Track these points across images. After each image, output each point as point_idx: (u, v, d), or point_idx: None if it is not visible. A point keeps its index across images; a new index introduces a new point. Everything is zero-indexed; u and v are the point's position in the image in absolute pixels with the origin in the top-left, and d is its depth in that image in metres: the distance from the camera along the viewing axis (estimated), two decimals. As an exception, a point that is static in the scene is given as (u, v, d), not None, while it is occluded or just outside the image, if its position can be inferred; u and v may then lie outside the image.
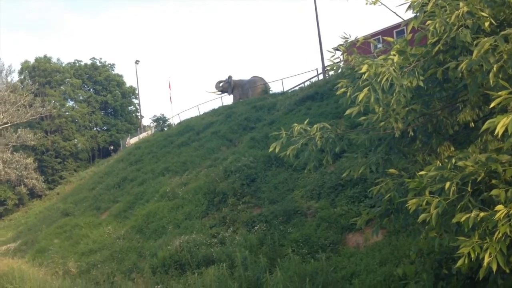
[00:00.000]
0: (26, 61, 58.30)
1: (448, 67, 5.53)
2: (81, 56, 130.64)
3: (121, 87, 64.61)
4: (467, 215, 4.50)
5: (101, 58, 66.01)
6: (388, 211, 6.64)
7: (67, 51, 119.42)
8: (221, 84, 45.11)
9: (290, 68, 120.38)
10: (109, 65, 65.82)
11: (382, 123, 6.55)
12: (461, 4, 5.51)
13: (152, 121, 48.76)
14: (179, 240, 17.07)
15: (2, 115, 46.77)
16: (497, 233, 4.32)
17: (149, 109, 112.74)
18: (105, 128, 61.98)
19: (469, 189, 4.81)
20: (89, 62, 64.20)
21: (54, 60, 60.30)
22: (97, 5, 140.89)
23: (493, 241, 4.40)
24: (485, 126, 4.24)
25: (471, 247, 4.51)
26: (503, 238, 4.37)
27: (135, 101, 66.99)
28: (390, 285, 10.35)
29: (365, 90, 5.81)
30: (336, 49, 7.85)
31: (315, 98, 27.24)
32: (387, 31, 31.58)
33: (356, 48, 7.35)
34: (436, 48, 5.78)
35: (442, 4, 5.82)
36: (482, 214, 4.44)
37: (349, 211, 14.76)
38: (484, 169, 4.76)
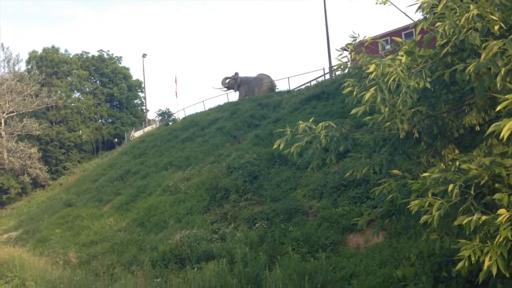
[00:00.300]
0: (34, 51, 58.52)
1: (455, 69, 5.51)
2: (89, 48, 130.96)
3: (127, 80, 64.74)
4: (469, 218, 4.49)
5: (108, 51, 66.20)
6: (389, 212, 6.62)
7: (75, 42, 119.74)
8: (227, 81, 45.10)
9: (297, 67, 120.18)
10: (116, 58, 65.97)
11: (388, 123, 6.53)
12: (471, 6, 5.48)
13: (157, 115, 48.86)
14: (180, 234, 17.10)
15: (8, 104, 46.98)
16: (498, 237, 4.31)
17: (154, 103, 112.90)
18: (110, 121, 62.14)
19: (472, 192, 4.80)
20: (96, 54, 64.42)
21: (61, 51, 60.52)
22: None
23: (494, 245, 4.39)
24: (490, 129, 4.23)
25: (471, 250, 4.50)
26: (504, 242, 4.36)
27: (141, 94, 67.19)
28: (389, 287, 10.34)
29: (372, 90, 5.80)
30: (344, 49, 7.84)
31: (321, 97, 27.20)
32: (395, 33, 31.47)
33: (364, 48, 7.33)
34: (445, 50, 5.77)
35: (452, 6, 5.80)
36: (484, 217, 4.42)
37: (351, 211, 14.73)
38: (488, 173, 4.75)
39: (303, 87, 36.65)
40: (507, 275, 4.54)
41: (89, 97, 59.49)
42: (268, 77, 42.49)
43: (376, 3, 6.31)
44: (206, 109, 43.43)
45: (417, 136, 6.59)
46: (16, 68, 52.32)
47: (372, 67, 5.79)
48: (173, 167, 27.33)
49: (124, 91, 62.91)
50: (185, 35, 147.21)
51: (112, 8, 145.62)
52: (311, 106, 26.49)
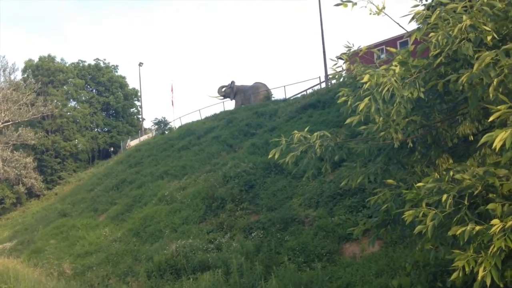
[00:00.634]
0: (30, 60, 58.43)
1: (449, 79, 5.54)
2: (85, 56, 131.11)
3: (123, 89, 64.67)
4: (463, 228, 4.49)
5: (105, 59, 66.15)
6: (385, 222, 6.62)
7: (72, 51, 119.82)
8: (223, 89, 45.15)
9: (293, 76, 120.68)
10: (112, 67, 65.94)
11: (382, 133, 6.55)
12: (464, 17, 5.52)
13: (153, 124, 48.79)
14: (176, 244, 17.02)
15: (4, 113, 46.83)
16: (492, 247, 4.31)
17: (150, 111, 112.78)
18: (106, 130, 61.97)
19: (465, 202, 4.81)
20: (92, 62, 64.35)
21: (58, 59, 60.38)
22: (103, 6, 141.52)
23: (488, 255, 4.39)
24: (483, 140, 4.24)
25: (465, 261, 4.49)
26: (498, 252, 4.35)
27: (137, 103, 67.06)
28: (385, 297, 10.31)
29: (366, 99, 5.82)
30: (339, 58, 7.87)
31: (317, 106, 27.26)
32: (390, 42, 31.64)
33: (358, 58, 7.37)
34: (438, 60, 5.80)
35: (445, 16, 5.84)
36: (478, 227, 4.42)
37: (347, 220, 14.72)
38: (482, 183, 4.75)
39: (299, 95, 36.73)
40: (501, 285, 4.53)
41: (85, 106, 59.35)
42: (264, 85, 42.58)
43: (370, 13, 6.35)
44: (202, 117, 43.41)
45: (411, 145, 6.60)
46: (12, 77, 52.23)
47: (366, 77, 5.81)
48: (169, 176, 27.25)
49: (120, 100, 62.83)
50: (181, 43, 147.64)
51: (109, 17, 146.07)
52: (307, 114, 26.55)
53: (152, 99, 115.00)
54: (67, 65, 61.42)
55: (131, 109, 66.15)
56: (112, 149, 58.91)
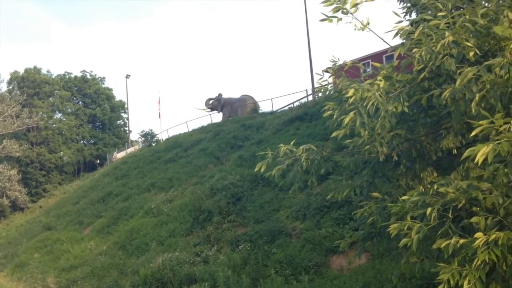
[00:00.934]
0: (15, 72, 57.93)
1: (432, 94, 5.63)
2: (71, 68, 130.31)
3: (110, 100, 64.38)
4: (447, 242, 4.53)
5: (91, 71, 65.89)
6: (371, 235, 6.66)
7: (58, 63, 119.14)
8: (211, 102, 45.16)
9: (280, 88, 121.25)
10: (99, 79, 65.68)
11: (367, 146, 6.62)
12: (447, 33, 5.63)
13: (140, 136, 48.54)
14: (162, 257, 16.87)
15: (-12, 125, 46.24)
16: (476, 260, 4.35)
17: (137, 124, 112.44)
18: (92, 142, 61.49)
19: (450, 215, 4.87)
20: (79, 74, 64.05)
21: (44, 71, 60.04)
22: (90, 18, 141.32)
23: (473, 268, 4.43)
24: (465, 154, 4.31)
25: (450, 274, 4.53)
26: (482, 265, 4.40)
27: (124, 115, 66.76)
28: (372, 309, 10.32)
29: (351, 113, 5.89)
30: (326, 71, 7.96)
31: (304, 118, 27.40)
32: (377, 55, 32.02)
33: (344, 72, 7.46)
34: (422, 75, 5.89)
35: (428, 32, 5.95)
36: (462, 241, 4.48)
37: (334, 233, 14.74)
38: (465, 196, 4.82)
39: (286, 108, 36.86)
40: (486, 298, 4.58)
41: (71, 118, 58.91)
42: (252, 98, 42.70)
43: (355, 29, 6.44)
44: (190, 130, 43.32)
45: (396, 159, 6.67)
46: (-3, 89, 51.73)
47: (351, 92, 5.88)
48: (156, 189, 27.08)
49: (107, 112, 62.51)
50: (168, 56, 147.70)
51: (96, 29, 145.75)
52: (294, 127, 26.66)
53: (139, 111, 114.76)
54: (53, 77, 61.07)
55: (118, 121, 65.81)
56: (98, 161, 58.40)
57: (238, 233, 17.66)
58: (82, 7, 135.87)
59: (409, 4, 10.52)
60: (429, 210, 4.86)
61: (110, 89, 65.67)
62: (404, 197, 5.39)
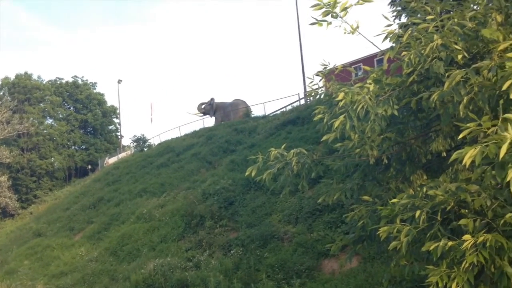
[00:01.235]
0: (6, 77, 57.63)
1: (421, 97, 5.65)
2: (63, 74, 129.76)
3: (102, 106, 64.15)
4: (436, 244, 4.54)
5: (83, 77, 65.75)
6: (361, 238, 6.67)
7: (49, 69, 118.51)
8: (203, 106, 45.15)
9: (272, 92, 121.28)
10: (91, 84, 65.45)
11: (358, 150, 6.63)
12: (435, 36, 5.67)
13: (132, 141, 48.34)
14: (154, 263, 16.78)
15: (-22, 131, 45.90)
16: (464, 262, 4.36)
17: (129, 128, 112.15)
18: (84, 147, 61.16)
19: (438, 218, 4.88)
20: (70, 80, 63.78)
21: (34, 77, 59.77)
22: (81, 23, 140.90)
23: (461, 270, 4.44)
24: (453, 157, 4.32)
25: (439, 276, 4.54)
26: (470, 267, 4.41)
27: (116, 120, 66.52)
28: (364, 313, 10.31)
29: (341, 117, 5.90)
30: (317, 75, 7.98)
31: (296, 122, 27.44)
32: (368, 59, 32.20)
33: (334, 76, 7.48)
34: (411, 79, 5.92)
35: (417, 36, 5.99)
36: (450, 243, 4.48)
37: (326, 236, 14.74)
38: (454, 199, 4.83)
39: (278, 112, 36.90)
40: (475, 300, 4.58)
41: (62, 124, 58.60)
42: (244, 102, 42.74)
43: (345, 33, 6.46)
44: (182, 134, 43.24)
45: (387, 162, 6.69)
46: (-13, 94, 51.41)
47: (341, 95, 5.89)
48: (148, 194, 26.96)
49: (99, 117, 62.26)
50: (160, 60, 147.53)
51: (88, 34, 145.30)
52: (286, 131, 26.68)
53: (131, 116, 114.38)
54: (44, 82, 60.81)
55: (110, 127, 65.56)
56: (89, 167, 58.06)
57: (230, 237, 17.61)
58: (74, 12, 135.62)
59: (399, 8, 10.59)
60: (418, 212, 4.87)
61: (102, 94, 65.48)
62: (394, 200, 5.40)
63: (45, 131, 56.46)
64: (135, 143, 47.44)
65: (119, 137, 63.56)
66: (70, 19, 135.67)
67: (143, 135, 46.79)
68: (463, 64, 5.69)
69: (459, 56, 5.56)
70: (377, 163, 6.78)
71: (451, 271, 4.54)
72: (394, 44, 6.49)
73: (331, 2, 6.19)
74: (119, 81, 60.38)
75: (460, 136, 4.39)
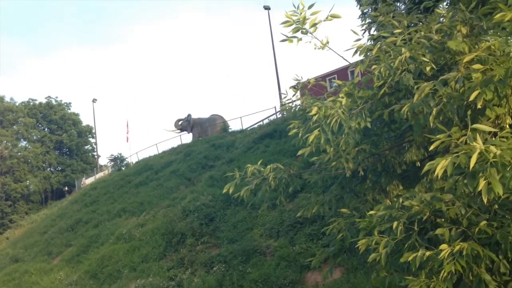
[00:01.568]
0: (-23, 101, 56.61)
1: (393, 109, 5.74)
2: (36, 95, 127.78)
3: (77, 126, 63.40)
4: (414, 254, 4.59)
5: (57, 97, 64.93)
6: (341, 251, 6.69)
7: (22, 91, 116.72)
8: (180, 123, 44.97)
9: (249, 106, 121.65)
10: (65, 104, 64.71)
11: (334, 163, 6.68)
12: (403, 49, 5.78)
13: (109, 160, 47.72)
14: (135, 284, 16.56)
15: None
16: (443, 271, 4.41)
17: (106, 148, 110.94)
18: (60, 169, 60.20)
19: (415, 228, 4.94)
20: (44, 101, 62.97)
21: (7, 99, 58.82)
22: (54, 44, 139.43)
23: (440, 279, 4.49)
24: (426, 168, 4.40)
25: (418, 286, 4.58)
26: (449, 276, 4.46)
27: (92, 140, 65.78)
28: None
29: (316, 131, 5.94)
30: (294, 86, 8.05)
31: (274, 136, 27.54)
32: (342, 71, 32.62)
33: (307, 90, 7.55)
34: (382, 91, 6.01)
35: (386, 49, 6.10)
36: (428, 253, 4.53)
37: (308, 249, 14.76)
38: (429, 208, 4.90)
39: (255, 126, 36.99)
40: (454, 308, 4.63)
41: (36, 145, 57.63)
42: (221, 117, 42.74)
43: (315, 48, 6.55)
44: (160, 152, 42.91)
45: (363, 174, 6.75)
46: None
47: (314, 110, 5.94)
48: (127, 214, 26.60)
49: (74, 138, 61.46)
50: (135, 78, 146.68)
51: (61, 54, 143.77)
52: (264, 144, 26.74)
53: (108, 135, 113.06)
54: (17, 104, 59.85)
55: (86, 147, 64.80)
56: (66, 188, 57.08)
57: (212, 254, 17.48)
58: (45, 34, 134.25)
59: (369, 21, 10.79)
60: (395, 223, 4.92)
61: (77, 114, 64.83)
62: (371, 212, 5.45)
63: (19, 153, 55.46)
64: (112, 163, 46.85)
65: (96, 157, 62.75)
66: (41, 40, 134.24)
67: (120, 154, 46.31)
68: (432, 75, 5.80)
69: (427, 68, 5.68)
70: (354, 175, 6.84)
71: (430, 280, 4.59)
72: (364, 58, 6.60)
73: (301, 19, 6.27)
74: (94, 100, 59.74)
75: (431, 147, 4.47)
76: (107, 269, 20.03)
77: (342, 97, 6.15)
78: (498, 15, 4.90)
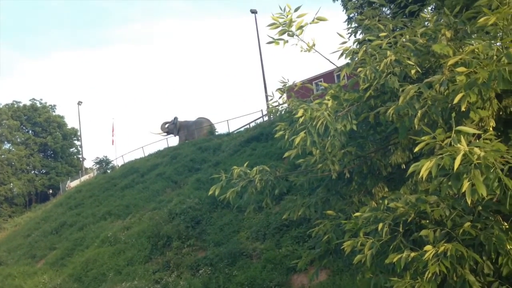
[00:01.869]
0: (-41, 103, 55.76)
1: (379, 111, 5.78)
2: (20, 97, 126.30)
3: (62, 128, 62.79)
4: (399, 256, 4.61)
5: (41, 99, 64.31)
6: (327, 253, 6.71)
7: (6, 92, 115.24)
8: (166, 126, 44.78)
9: (236, 109, 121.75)
10: (50, 106, 64.07)
11: (320, 165, 6.69)
12: (389, 52, 5.83)
13: (94, 163, 47.32)
14: (120, 287, 16.38)
15: None
16: (427, 272, 4.44)
17: (91, 151, 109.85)
18: (44, 171, 59.53)
19: (400, 229, 4.97)
20: (28, 103, 62.24)
21: (-10, 101, 58.03)
22: (39, 46, 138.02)
23: (424, 280, 4.52)
24: (411, 170, 4.42)
25: (403, 287, 4.60)
26: (433, 277, 4.50)
27: (77, 143, 65.21)
28: (334, 327, 10.34)
29: (302, 133, 5.95)
30: (281, 89, 8.05)
31: (260, 139, 27.56)
32: (329, 74, 32.85)
33: (294, 93, 7.57)
34: (368, 94, 6.04)
35: (372, 52, 6.14)
36: (413, 254, 4.56)
37: (294, 251, 14.78)
38: (414, 210, 4.94)
39: (242, 129, 36.97)
40: (439, 309, 4.66)
41: (20, 148, 56.95)
42: (208, 120, 42.65)
43: (301, 51, 6.57)
44: (146, 155, 42.68)
45: (349, 176, 6.78)
46: None
47: (300, 112, 5.96)
48: (112, 217, 26.39)
49: (59, 140, 60.83)
50: (121, 81, 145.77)
51: (45, 57, 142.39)
52: (251, 148, 26.75)
53: (93, 138, 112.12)
54: (0, 106, 59.10)
55: (71, 149, 64.21)
56: (51, 191, 56.43)
57: (198, 257, 17.41)
58: (31, 37, 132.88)
59: (355, 25, 10.86)
60: (380, 225, 4.95)
61: (62, 117, 64.23)
62: (357, 214, 5.47)
63: (3, 156, 54.77)
64: (97, 165, 46.47)
65: (81, 159, 62.17)
66: (26, 43, 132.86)
67: (105, 156, 45.97)
68: (417, 78, 5.86)
69: (412, 71, 5.73)
70: (340, 178, 6.86)
71: (415, 281, 4.61)
72: (350, 61, 6.64)
73: (287, 21, 6.29)
74: (79, 103, 59.14)
75: (416, 149, 4.51)
76: (92, 273, 19.84)
77: (328, 100, 6.17)
78: (482, 19, 4.96)
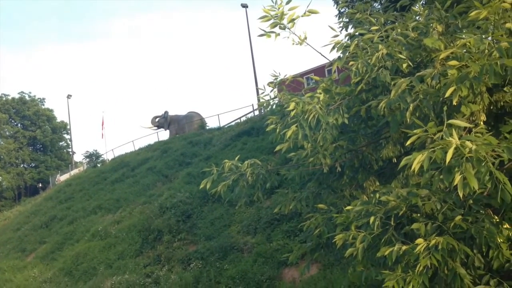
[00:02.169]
0: None
1: (370, 105, 5.77)
2: (9, 90, 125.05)
3: (51, 122, 62.23)
4: (391, 249, 4.63)
5: (30, 92, 63.56)
6: (318, 246, 6.72)
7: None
8: (157, 120, 44.60)
9: (226, 104, 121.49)
10: (39, 100, 63.42)
11: (311, 159, 6.68)
12: (380, 46, 5.81)
13: (84, 157, 47.06)
14: (111, 281, 16.36)
15: None
16: (418, 266, 4.46)
17: (81, 144, 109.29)
18: (33, 165, 59.03)
19: (392, 223, 4.98)
20: (17, 96, 61.59)
21: (-22, 95, 57.35)
22: (28, 39, 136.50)
23: (416, 273, 4.54)
24: (402, 163, 4.43)
25: (395, 280, 4.62)
26: (424, 270, 4.52)
27: (67, 136, 64.66)
28: (325, 320, 10.39)
29: (293, 127, 5.93)
30: (272, 83, 8.01)
31: (251, 133, 27.54)
32: (320, 69, 32.82)
33: (285, 86, 7.53)
34: (359, 87, 6.03)
35: (363, 46, 6.12)
36: (404, 247, 4.58)
37: (285, 245, 14.81)
38: (406, 203, 4.95)
39: (233, 123, 36.90)
40: (430, 302, 4.69)
41: (9, 141, 56.40)
42: (198, 114, 42.53)
43: (293, 44, 6.53)
44: (136, 149, 42.48)
45: (340, 170, 6.78)
46: None
47: (292, 105, 5.93)
48: (102, 211, 26.28)
49: (48, 134, 60.31)
50: (111, 74, 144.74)
51: (34, 49, 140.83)
52: (242, 142, 26.72)
53: (83, 131, 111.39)
54: (-12, 99, 58.42)
55: (60, 143, 63.69)
56: (40, 185, 56.00)
57: (189, 251, 17.40)
58: (19, 29, 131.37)
59: (347, 19, 10.83)
60: (372, 218, 4.95)
61: (51, 110, 63.61)
62: (348, 207, 5.47)
63: (-9, 149, 54.17)
64: (87, 159, 46.24)
65: (71, 153, 61.70)
66: (15, 36, 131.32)
67: (95, 150, 45.76)
68: (408, 72, 5.85)
69: (404, 65, 5.72)
70: (331, 171, 6.86)
71: (406, 275, 4.63)
72: (341, 54, 6.62)
73: (279, 14, 6.25)
74: (69, 96, 58.61)
75: (408, 142, 4.51)
76: (82, 266, 19.76)
77: (320, 93, 6.15)
78: (473, 13, 4.96)
